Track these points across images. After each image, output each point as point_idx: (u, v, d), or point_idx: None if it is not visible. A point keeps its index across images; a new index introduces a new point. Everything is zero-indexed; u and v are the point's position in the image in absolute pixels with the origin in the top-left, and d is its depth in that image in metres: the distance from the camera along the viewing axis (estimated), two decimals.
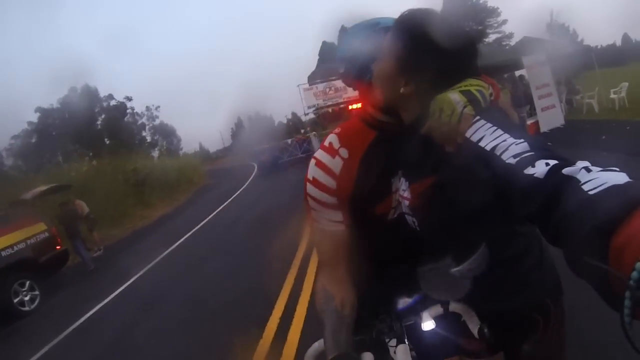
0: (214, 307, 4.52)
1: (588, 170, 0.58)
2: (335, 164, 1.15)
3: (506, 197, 0.73)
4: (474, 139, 0.83)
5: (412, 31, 0.95)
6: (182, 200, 17.65)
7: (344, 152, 1.16)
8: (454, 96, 0.90)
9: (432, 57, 0.92)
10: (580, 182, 0.57)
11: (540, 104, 10.64)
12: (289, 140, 24.33)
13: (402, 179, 1.13)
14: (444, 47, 0.89)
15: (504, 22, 43.81)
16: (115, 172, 18.13)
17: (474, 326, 1.09)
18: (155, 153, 46.43)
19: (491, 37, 43.18)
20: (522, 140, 0.75)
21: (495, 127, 0.82)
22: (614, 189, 0.52)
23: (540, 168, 0.65)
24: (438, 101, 0.91)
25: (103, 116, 45.19)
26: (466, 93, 0.91)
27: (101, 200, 13.77)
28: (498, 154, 0.76)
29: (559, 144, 7.48)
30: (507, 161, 0.73)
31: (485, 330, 1.05)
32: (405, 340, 1.13)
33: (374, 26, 1.18)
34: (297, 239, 6.41)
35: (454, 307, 1.14)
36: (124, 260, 8.85)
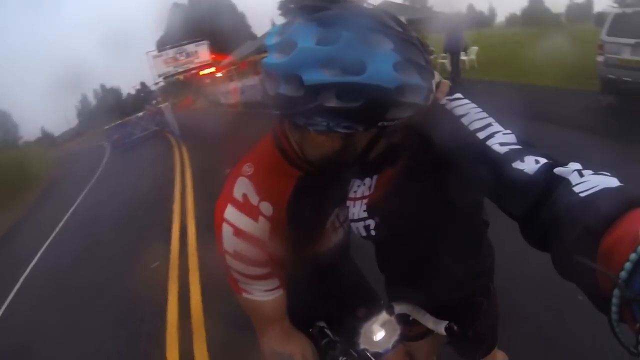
0: (98, 333, 3.97)
1: (580, 172, 0.57)
2: (261, 229, 0.87)
3: (491, 188, 0.69)
4: (457, 113, 0.78)
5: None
6: (30, 201, 14.97)
7: (266, 208, 0.88)
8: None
9: None
10: (572, 183, 0.56)
11: None
12: (141, 114, 22.30)
13: (356, 181, 1.00)
14: None
15: None
16: None
17: (434, 324, 1.08)
18: None
19: None
20: (509, 131, 0.72)
21: (480, 110, 0.78)
22: (606, 191, 0.52)
23: (529, 165, 0.62)
24: None
25: None
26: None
27: None
28: (482, 137, 0.71)
29: None
30: (493, 148, 0.68)
31: (455, 327, 1.05)
32: None
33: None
34: (168, 230, 5.97)
35: (400, 309, 1.11)
36: None
